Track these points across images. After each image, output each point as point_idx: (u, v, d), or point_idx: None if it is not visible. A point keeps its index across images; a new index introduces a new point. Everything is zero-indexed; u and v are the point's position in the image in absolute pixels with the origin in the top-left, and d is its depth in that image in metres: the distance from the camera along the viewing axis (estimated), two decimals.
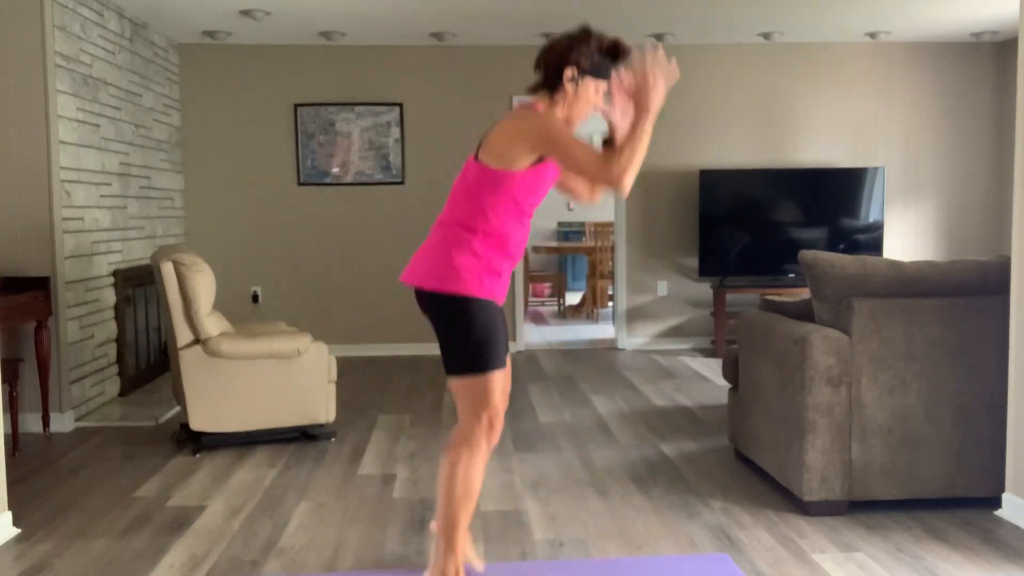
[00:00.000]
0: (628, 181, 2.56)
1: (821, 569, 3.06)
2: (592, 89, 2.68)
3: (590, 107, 2.71)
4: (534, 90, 2.73)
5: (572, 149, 2.56)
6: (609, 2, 6.10)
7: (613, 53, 2.68)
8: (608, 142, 2.72)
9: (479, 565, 3.01)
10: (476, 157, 2.69)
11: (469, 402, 2.74)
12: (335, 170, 7.56)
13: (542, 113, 2.63)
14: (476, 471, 2.78)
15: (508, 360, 2.80)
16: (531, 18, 6.58)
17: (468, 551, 3.00)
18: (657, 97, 2.56)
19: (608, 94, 2.69)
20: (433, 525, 3.09)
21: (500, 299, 2.74)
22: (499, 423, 2.79)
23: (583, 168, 2.57)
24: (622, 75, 2.64)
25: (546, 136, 2.58)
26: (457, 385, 2.76)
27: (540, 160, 2.65)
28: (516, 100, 7.55)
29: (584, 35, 2.67)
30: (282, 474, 4.24)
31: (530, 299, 10.92)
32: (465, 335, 2.68)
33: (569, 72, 2.64)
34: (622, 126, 2.66)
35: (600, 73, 2.67)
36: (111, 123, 5.87)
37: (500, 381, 2.75)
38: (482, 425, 2.75)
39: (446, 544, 2.81)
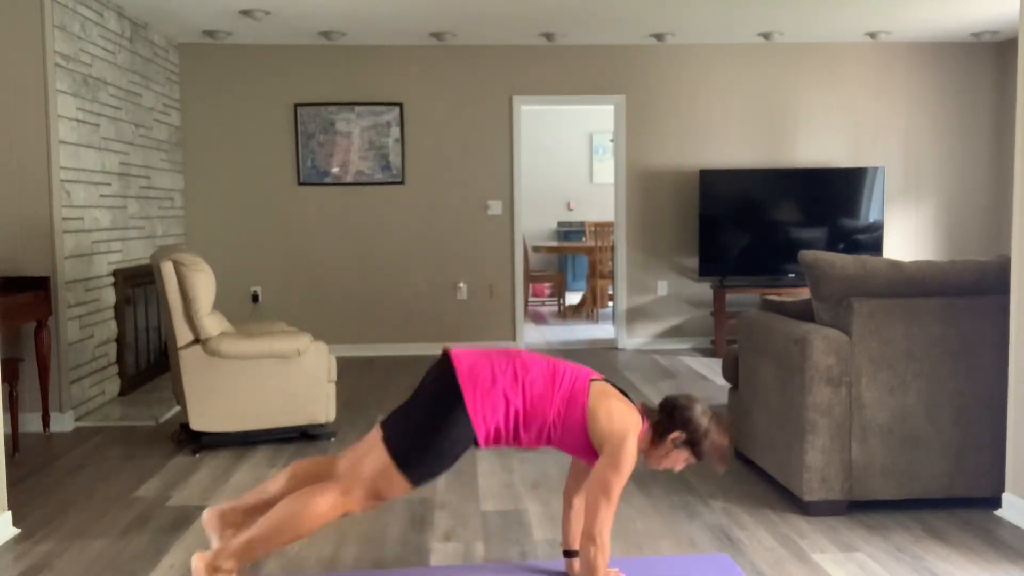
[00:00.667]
0: (595, 536, 2.66)
1: (821, 569, 3.06)
2: (682, 458, 2.81)
3: (668, 465, 2.84)
4: (649, 417, 2.82)
5: (612, 485, 2.67)
6: (609, 2, 6.10)
7: (713, 454, 2.80)
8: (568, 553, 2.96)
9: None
10: (588, 388, 2.76)
11: (374, 477, 2.66)
12: (335, 170, 7.56)
13: (633, 447, 2.71)
14: (328, 519, 2.68)
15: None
16: (531, 18, 6.58)
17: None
18: None
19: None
20: (208, 514, 2.83)
21: (479, 445, 2.73)
22: (356, 511, 2.72)
23: (597, 490, 2.67)
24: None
25: (615, 461, 2.68)
26: (382, 457, 2.66)
27: (595, 454, 2.75)
28: (516, 99, 7.56)
29: (716, 424, 2.80)
30: None
31: (530, 299, 10.92)
32: (433, 431, 2.66)
33: (678, 435, 2.77)
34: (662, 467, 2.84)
35: (695, 455, 2.80)
36: (111, 123, 5.88)
37: (403, 490, 2.69)
38: (359, 502, 2.69)
39: (241, 554, 2.67)
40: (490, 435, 2.71)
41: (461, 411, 2.66)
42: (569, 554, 2.98)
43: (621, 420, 2.73)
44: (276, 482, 2.84)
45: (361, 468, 2.69)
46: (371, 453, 2.70)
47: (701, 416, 2.77)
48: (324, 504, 2.65)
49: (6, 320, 4.55)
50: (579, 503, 2.97)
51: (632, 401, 2.84)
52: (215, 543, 2.78)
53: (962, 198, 7.92)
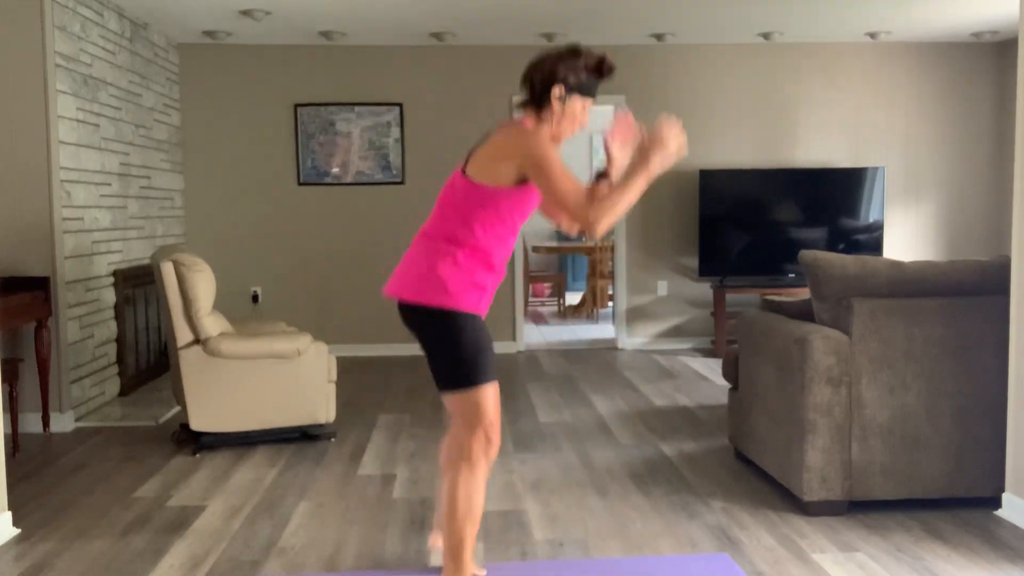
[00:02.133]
0: (603, 228, 2.52)
1: (821, 569, 3.06)
2: (579, 107, 2.68)
3: (576, 124, 2.71)
4: (522, 106, 2.73)
5: (556, 179, 2.52)
6: (609, 2, 6.10)
7: (599, 70, 2.69)
8: (602, 174, 2.75)
9: (482, 573, 3.01)
10: (464, 171, 2.67)
11: (464, 417, 2.72)
12: (335, 170, 7.56)
13: (532, 134, 2.60)
14: (477, 487, 2.75)
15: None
16: (531, 18, 6.58)
17: (473, 567, 2.97)
18: (662, 159, 2.55)
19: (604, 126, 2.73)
20: (432, 539, 3.09)
21: (483, 313, 2.73)
22: (496, 436, 2.76)
23: (561, 201, 2.53)
24: (638, 127, 2.67)
25: (533, 158, 2.55)
26: (450, 401, 2.74)
27: (526, 180, 2.64)
28: (516, 99, 7.55)
29: (571, 52, 2.67)
30: (282, 474, 4.24)
31: (530, 299, 10.92)
32: (453, 350, 2.66)
33: (557, 90, 2.64)
34: (619, 160, 2.69)
35: (587, 91, 2.68)
36: (111, 123, 5.87)
37: (493, 394, 2.72)
38: (479, 439, 2.73)
39: (454, 564, 2.78)
40: (480, 297, 2.66)
41: (449, 315, 2.63)
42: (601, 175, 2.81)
43: (502, 141, 2.61)
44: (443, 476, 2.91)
45: (456, 421, 2.78)
46: (451, 406, 2.76)
47: (553, 59, 2.64)
48: (463, 473, 2.74)
49: (6, 320, 4.55)
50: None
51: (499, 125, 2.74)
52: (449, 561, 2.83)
53: (962, 198, 7.92)
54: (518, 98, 2.75)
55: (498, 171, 2.60)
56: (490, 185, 2.61)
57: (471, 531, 2.77)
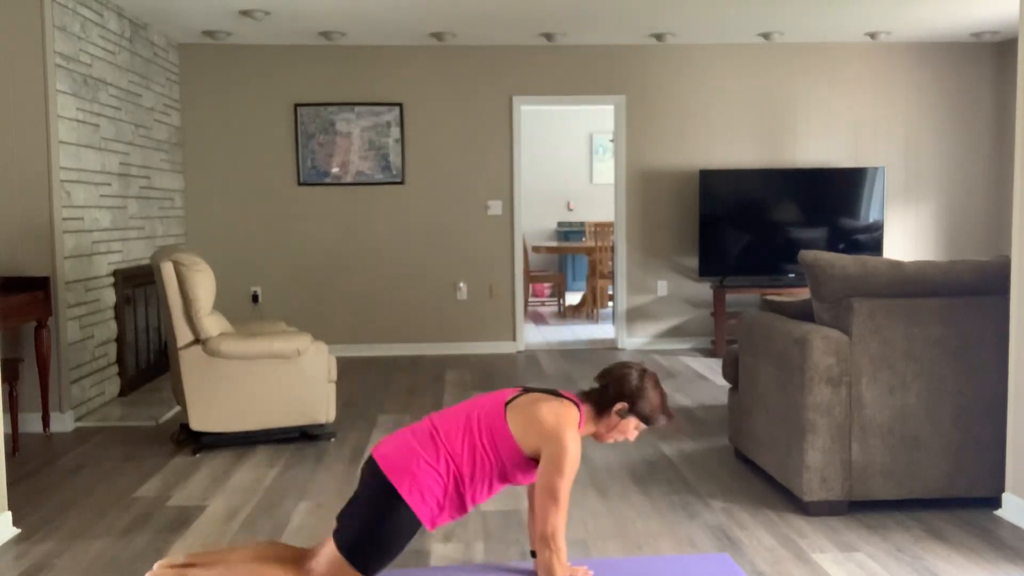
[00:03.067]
0: (550, 534, 2.69)
1: (821, 569, 3.06)
2: (632, 426, 2.83)
3: (621, 438, 2.86)
4: (587, 396, 2.84)
5: (561, 481, 2.67)
6: (609, 2, 6.10)
7: (662, 411, 2.82)
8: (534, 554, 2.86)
9: None
10: (505, 415, 2.75)
11: (329, 572, 2.67)
12: (335, 170, 7.56)
13: (574, 433, 2.72)
14: None
15: None
16: (531, 18, 6.58)
17: None
18: None
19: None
20: (159, 568, 2.83)
21: (428, 528, 2.74)
22: None
23: (551, 496, 2.67)
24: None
25: (559, 453, 2.68)
26: (333, 552, 2.68)
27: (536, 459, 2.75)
28: (516, 99, 7.56)
29: (651, 381, 2.83)
30: (282, 474, 4.24)
31: (530, 299, 10.92)
32: (377, 526, 2.66)
33: (621, 406, 2.79)
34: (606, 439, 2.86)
35: (647, 420, 2.83)
36: (111, 123, 5.87)
37: None
38: None
39: None
40: (435, 515, 2.71)
41: (401, 505, 2.66)
42: (534, 555, 2.98)
43: (550, 421, 2.72)
44: (239, 552, 2.81)
45: (319, 565, 2.70)
46: (326, 547, 2.72)
47: (638, 379, 2.79)
48: None
49: (6, 320, 4.55)
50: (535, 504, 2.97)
51: (561, 394, 2.83)
52: None
53: (962, 198, 7.92)
54: (586, 390, 2.88)
55: (529, 437, 2.73)
56: (517, 442, 2.72)
57: None
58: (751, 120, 7.75)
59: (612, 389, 2.81)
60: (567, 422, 2.73)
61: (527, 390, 2.84)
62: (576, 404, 2.81)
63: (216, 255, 7.49)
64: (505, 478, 2.77)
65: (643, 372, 2.84)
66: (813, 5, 6.30)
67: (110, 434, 5.06)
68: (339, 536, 2.70)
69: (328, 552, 2.70)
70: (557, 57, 7.58)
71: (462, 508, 2.76)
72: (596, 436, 2.85)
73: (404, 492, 2.66)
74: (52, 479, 4.22)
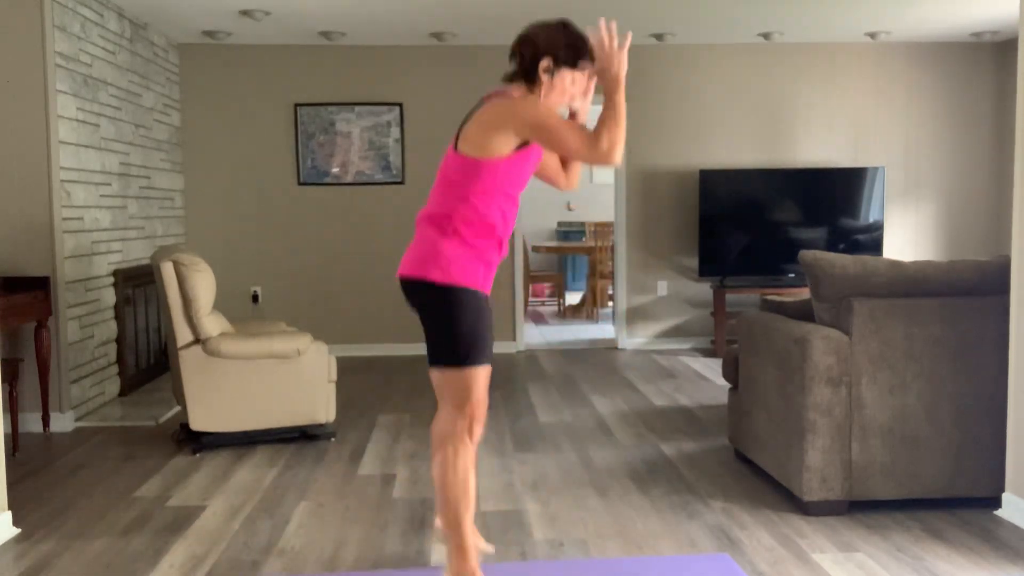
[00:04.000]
0: (618, 154, 2.59)
1: (821, 569, 3.06)
2: (568, 80, 2.70)
3: (565, 97, 2.73)
4: (509, 79, 2.74)
5: (561, 132, 2.59)
6: (609, 2, 6.10)
7: (587, 46, 2.70)
8: None
9: (489, 549, 3.00)
10: (456, 148, 2.69)
11: (452, 396, 2.74)
12: (335, 170, 7.56)
13: (524, 98, 2.64)
14: (466, 465, 2.77)
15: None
16: (531, 18, 6.54)
17: (478, 542, 2.97)
18: (621, 66, 2.61)
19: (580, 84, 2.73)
20: (437, 522, 3.08)
21: (487, 289, 2.73)
22: (482, 416, 2.80)
23: (574, 149, 2.60)
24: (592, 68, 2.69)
25: (532, 121, 2.59)
26: (440, 378, 2.75)
27: (523, 145, 2.66)
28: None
29: (561, 27, 2.70)
30: (282, 474, 4.24)
31: (530, 299, 10.92)
32: (452, 326, 2.66)
33: (545, 63, 2.66)
34: (583, 108, 2.73)
35: (576, 65, 2.69)
36: (111, 123, 5.87)
37: (485, 376, 2.74)
38: (465, 420, 2.75)
39: (456, 544, 2.80)
40: (475, 272, 2.65)
41: (445, 288, 2.63)
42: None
43: (490, 110, 2.63)
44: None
45: (443, 401, 2.77)
46: (441, 384, 2.76)
47: (540, 29, 2.68)
48: (450, 454, 2.75)
49: (6, 320, 4.55)
50: (562, 173, 2.95)
51: (485, 99, 2.74)
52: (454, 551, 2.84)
53: (962, 198, 7.92)
54: (506, 73, 2.76)
55: (493, 142, 2.62)
56: (484, 157, 2.63)
57: (466, 510, 2.78)
58: (751, 120, 7.75)
59: (527, 53, 2.68)
60: (507, 101, 2.63)
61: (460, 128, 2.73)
62: (505, 93, 2.70)
63: (216, 255, 7.49)
64: (505, 190, 2.68)
65: (546, 22, 2.70)
66: (813, 5, 6.30)
67: (110, 434, 5.06)
68: (436, 360, 2.72)
69: (442, 383, 2.74)
70: None
71: (496, 241, 2.70)
72: None
73: (442, 278, 2.63)
74: (52, 479, 4.22)
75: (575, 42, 2.68)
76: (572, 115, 2.76)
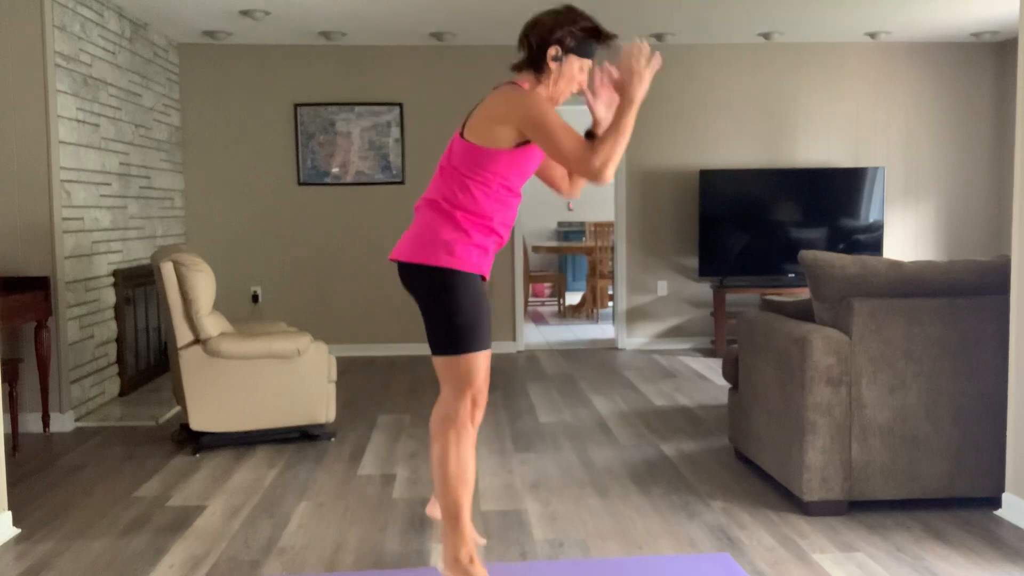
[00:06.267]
0: (610, 172, 2.54)
1: (821, 569, 3.06)
2: (576, 67, 2.67)
3: (573, 85, 2.70)
4: (517, 68, 2.72)
5: (557, 136, 2.54)
6: (609, 2, 6.10)
7: (596, 33, 2.67)
8: (590, 135, 2.69)
9: (482, 541, 2.98)
10: (461, 134, 2.68)
11: (453, 382, 2.74)
12: (335, 170, 7.56)
13: (528, 94, 2.60)
14: (467, 451, 2.78)
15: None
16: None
17: (473, 533, 2.95)
18: (642, 88, 2.55)
19: (591, 75, 2.69)
20: (429, 509, 3.08)
21: (485, 272, 2.72)
22: (483, 401, 2.80)
23: (566, 156, 2.55)
24: (608, 68, 2.63)
25: (531, 119, 2.56)
26: (441, 365, 2.75)
27: (526, 142, 2.65)
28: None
29: (568, 13, 2.66)
30: (282, 474, 4.24)
31: (530, 299, 10.92)
32: (450, 312, 2.66)
33: (553, 51, 2.63)
34: (605, 119, 2.65)
35: (584, 52, 2.66)
36: (111, 123, 5.88)
37: (485, 361, 2.74)
38: (466, 405, 2.75)
39: (453, 529, 2.79)
40: (472, 256, 2.65)
41: (443, 272, 2.63)
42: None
43: (495, 100, 2.61)
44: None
45: (444, 386, 2.77)
46: (441, 372, 2.76)
47: (549, 16, 2.63)
48: (451, 440, 2.75)
49: (6, 320, 4.55)
50: (564, 178, 2.92)
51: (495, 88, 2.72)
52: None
53: (962, 198, 7.92)
54: (514, 62, 2.74)
55: (496, 133, 2.61)
56: (488, 147, 2.62)
57: (466, 495, 2.78)
58: (751, 120, 7.75)
59: (534, 41, 2.64)
60: (513, 93, 2.60)
61: (468, 115, 2.73)
62: (513, 84, 2.67)
63: (216, 255, 7.49)
64: (506, 181, 2.68)
65: (554, 8, 2.63)
66: (813, 5, 6.30)
67: (110, 434, 5.06)
68: (435, 347, 2.71)
69: (441, 369, 2.73)
70: None
71: (494, 231, 2.69)
72: (550, 100, 2.67)
73: (439, 262, 2.62)
74: (52, 479, 4.22)
75: (584, 26, 2.64)
76: (595, 123, 2.68)
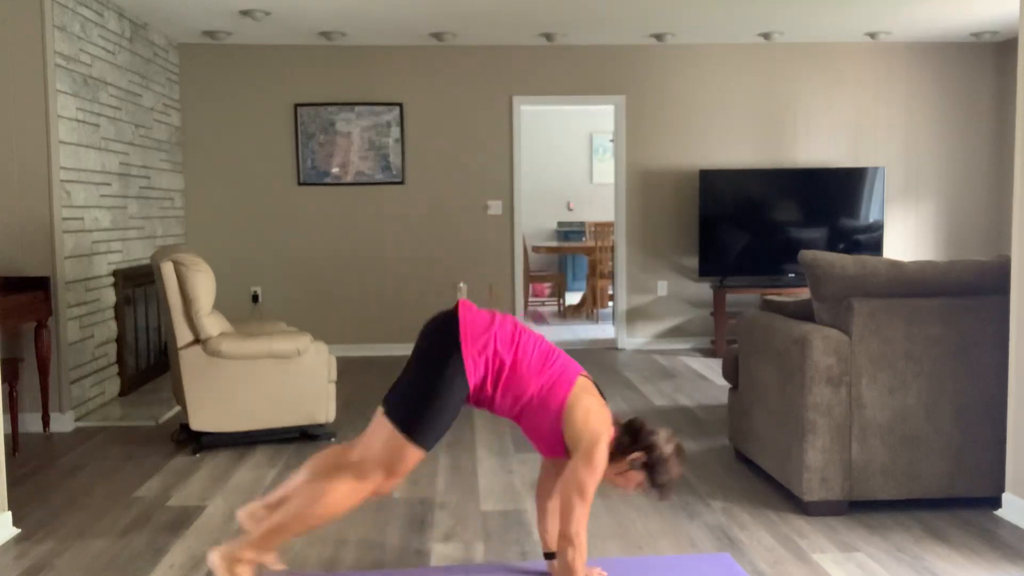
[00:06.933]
0: (578, 535, 2.66)
1: (821, 569, 3.06)
2: (636, 479, 2.77)
3: (621, 484, 2.81)
4: (618, 440, 2.78)
5: (586, 478, 2.66)
6: (609, 2, 6.10)
7: (664, 485, 2.77)
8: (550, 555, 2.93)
9: (279, 567, 2.80)
10: (572, 386, 2.77)
11: (383, 454, 2.67)
12: (335, 170, 7.56)
13: (603, 445, 2.70)
14: (351, 505, 2.69)
15: None
16: (531, 18, 6.58)
17: (272, 558, 2.80)
18: None
19: (631, 484, 2.81)
20: (241, 513, 2.87)
21: (470, 389, 2.72)
22: (390, 489, 2.74)
23: (574, 488, 2.65)
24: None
25: (589, 457, 2.67)
26: (386, 430, 2.67)
27: (554, 441, 2.76)
28: (516, 99, 7.56)
29: (677, 451, 2.77)
30: (282, 474, 4.23)
31: (530, 299, 10.92)
32: (432, 389, 2.66)
33: (638, 456, 2.73)
34: (629, 489, 2.81)
35: (653, 481, 2.76)
36: (111, 123, 5.88)
37: (419, 459, 2.70)
38: (376, 479, 2.68)
39: (263, 541, 2.67)
40: (477, 383, 2.69)
41: (456, 356, 2.66)
42: (549, 556, 2.97)
43: (597, 422, 2.73)
44: (299, 476, 2.83)
45: (372, 448, 2.69)
46: (378, 431, 2.70)
47: (665, 443, 2.74)
48: (341, 490, 2.66)
49: (6, 320, 4.55)
50: (553, 506, 2.97)
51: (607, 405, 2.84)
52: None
53: (962, 198, 7.92)
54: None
55: (574, 423, 2.73)
56: (558, 416, 2.73)
57: (303, 530, 2.72)
58: (751, 120, 7.75)
59: (641, 439, 2.76)
60: (606, 432, 2.73)
61: (592, 380, 2.86)
62: (606, 428, 2.79)
63: (216, 255, 7.49)
64: (525, 418, 2.77)
65: (676, 446, 2.79)
66: (813, 5, 6.30)
67: (110, 434, 5.06)
68: (392, 413, 2.69)
69: (383, 434, 2.67)
70: (557, 57, 7.58)
71: (491, 399, 2.76)
72: (603, 467, 2.79)
73: (464, 342, 2.67)
74: (52, 479, 4.22)
75: (670, 471, 2.75)
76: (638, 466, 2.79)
